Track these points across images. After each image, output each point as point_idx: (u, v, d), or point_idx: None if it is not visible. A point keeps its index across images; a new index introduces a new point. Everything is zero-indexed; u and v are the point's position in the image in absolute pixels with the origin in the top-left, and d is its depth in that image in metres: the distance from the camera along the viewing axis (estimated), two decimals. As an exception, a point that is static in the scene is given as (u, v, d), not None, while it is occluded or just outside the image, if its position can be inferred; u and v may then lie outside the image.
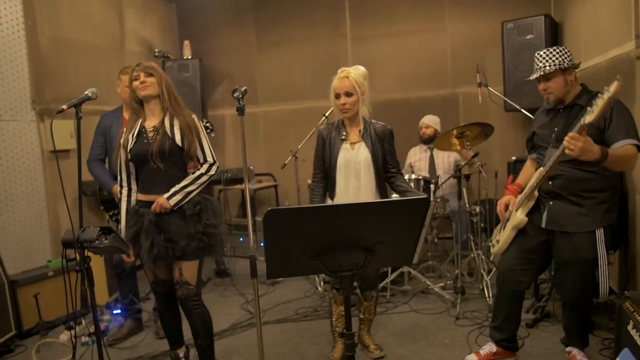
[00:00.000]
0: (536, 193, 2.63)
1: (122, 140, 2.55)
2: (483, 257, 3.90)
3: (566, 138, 2.25)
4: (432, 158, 4.68)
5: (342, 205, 1.87)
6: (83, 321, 3.44)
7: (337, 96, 2.77)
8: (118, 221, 3.40)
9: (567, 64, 2.53)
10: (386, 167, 2.87)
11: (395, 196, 3.96)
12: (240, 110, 2.29)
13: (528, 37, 4.60)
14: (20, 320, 3.45)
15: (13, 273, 3.63)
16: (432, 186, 3.97)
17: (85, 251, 2.06)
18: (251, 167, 5.62)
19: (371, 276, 2.95)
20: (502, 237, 2.77)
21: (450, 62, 5.53)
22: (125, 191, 2.59)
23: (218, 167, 2.63)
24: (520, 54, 4.65)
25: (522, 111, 4.14)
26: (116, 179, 3.27)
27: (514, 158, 4.33)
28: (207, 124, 3.66)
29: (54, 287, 3.65)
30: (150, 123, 2.57)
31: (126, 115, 3.38)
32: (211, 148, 2.63)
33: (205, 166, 2.58)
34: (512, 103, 4.32)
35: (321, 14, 5.91)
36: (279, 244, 1.60)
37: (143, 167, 2.54)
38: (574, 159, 2.33)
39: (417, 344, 3.09)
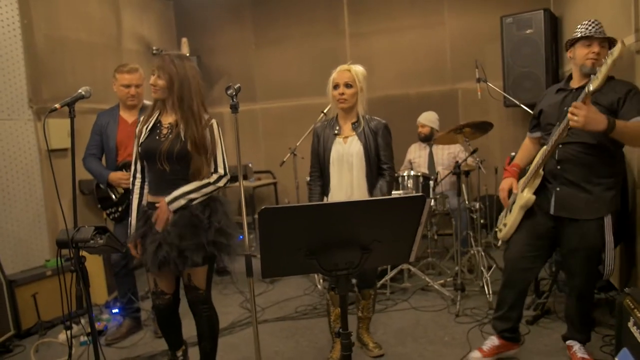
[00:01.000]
0: (541, 171, 2.58)
1: (137, 131, 2.45)
2: (483, 253, 3.88)
3: (570, 108, 2.22)
4: (431, 155, 4.66)
5: (337, 204, 1.85)
6: (82, 321, 3.42)
7: (336, 86, 2.75)
8: (115, 220, 3.40)
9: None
10: (379, 163, 2.83)
11: (395, 193, 3.95)
12: (234, 108, 2.26)
13: (527, 32, 4.57)
14: (19, 320, 3.44)
15: (11, 273, 3.62)
16: (431, 183, 3.95)
17: (81, 251, 2.04)
18: (250, 165, 5.61)
19: (369, 274, 2.93)
20: (509, 220, 2.73)
21: (449, 57, 5.50)
22: (138, 182, 2.47)
23: (229, 180, 2.46)
24: (519, 49, 4.62)
25: (521, 106, 4.11)
26: (114, 169, 3.27)
27: (513, 154, 4.29)
28: None
29: (52, 287, 3.63)
30: (168, 119, 2.42)
31: (123, 113, 3.36)
32: (225, 159, 2.46)
33: (215, 176, 2.41)
34: (511, 98, 4.30)
35: (319, 11, 5.88)
36: (273, 243, 1.58)
37: (150, 165, 2.42)
38: (584, 142, 2.30)
39: (416, 342, 3.07)
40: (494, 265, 3.99)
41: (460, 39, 5.40)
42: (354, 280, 2.93)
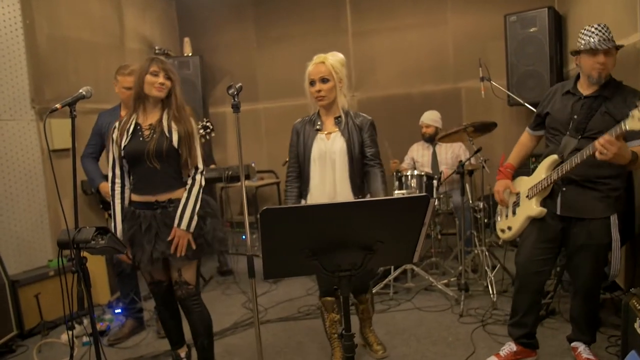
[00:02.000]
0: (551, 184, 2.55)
1: (114, 136, 2.49)
2: (487, 253, 3.86)
3: (600, 141, 2.18)
4: (434, 154, 4.63)
5: (340, 204, 1.83)
6: (84, 321, 3.42)
7: (312, 83, 2.59)
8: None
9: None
10: (364, 159, 2.67)
11: (398, 193, 3.93)
12: (236, 108, 2.26)
13: (531, 30, 4.54)
14: (22, 320, 3.44)
15: (14, 273, 3.62)
16: (434, 182, 3.93)
17: (82, 251, 2.03)
18: (253, 164, 5.59)
19: (363, 280, 2.85)
20: (514, 225, 2.71)
21: (453, 56, 5.47)
22: (118, 188, 2.52)
23: (203, 173, 2.55)
24: (523, 47, 4.59)
25: (525, 105, 4.09)
26: (105, 177, 3.21)
27: (503, 152, 4.27)
28: (208, 124, 3.62)
29: (55, 287, 3.63)
30: (147, 121, 2.49)
31: (124, 114, 3.35)
32: (200, 152, 2.57)
33: (198, 177, 2.51)
34: (515, 97, 4.27)
35: (321, 9, 5.87)
36: (275, 244, 1.56)
37: (137, 166, 2.47)
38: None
39: (420, 342, 3.05)
40: (498, 265, 3.97)
41: (464, 38, 5.37)
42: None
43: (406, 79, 5.61)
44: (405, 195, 3.52)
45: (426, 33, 5.53)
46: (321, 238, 1.56)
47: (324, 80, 2.57)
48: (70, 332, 2.38)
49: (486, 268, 3.74)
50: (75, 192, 2.15)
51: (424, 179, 3.93)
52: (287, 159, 3.38)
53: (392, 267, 3.89)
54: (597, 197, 2.46)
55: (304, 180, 2.69)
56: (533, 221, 2.63)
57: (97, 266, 3.88)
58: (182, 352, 2.78)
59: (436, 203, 3.98)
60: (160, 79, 2.44)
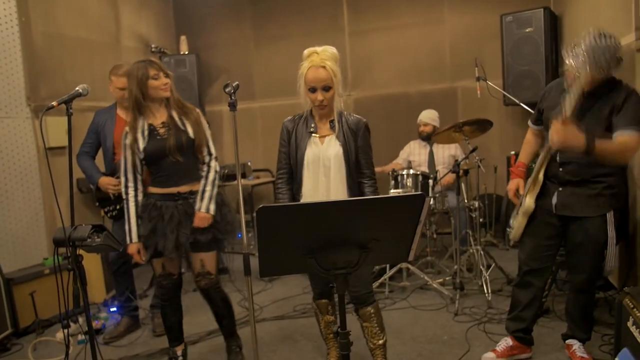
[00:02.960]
0: (540, 177, 2.60)
1: (128, 142, 2.56)
2: (482, 252, 3.87)
3: (550, 130, 2.29)
4: (431, 153, 4.65)
5: (336, 202, 1.84)
6: (79, 319, 3.41)
7: (312, 90, 2.37)
8: (114, 218, 3.38)
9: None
10: (358, 169, 2.48)
11: (394, 192, 3.94)
12: (232, 106, 2.26)
13: (527, 30, 4.56)
14: (17, 318, 3.43)
15: (9, 271, 3.61)
16: (430, 181, 3.94)
17: (78, 249, 2.03)
18: (249, 163, 5.59)
19: (363, 288, 2.47)
20: (515, 224, 2.76)
21: (449, 55, 5.49)
22: (132, 192, 2.60)
23: (217, 159, 2.74)
24: (519, 47, 4.61)
25: (521, 105, 4.10)
26: (104, 173, 3.31)
27: (512, 152, 4.29)
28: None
29: (50, 285, 3.62)
30: (157, 120, 2.61)
31: (120, 112, 3.36)
32: (210, 138, 2.74)
33: (213, 164, 2.69)
34: (511, 97, 4.29)
35: (319, 8, 5.87)
36: (271, 242, 1.56)
37: (159, 163, 2.59)
38: None
39: (415, 341, 3.06)
40: (493, 264, 3.99)
41: (460, 37, 5.39)
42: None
43: (403, 78, 5.62)
44: (401, 194, 3.52)
45: (423, 32, 5.54)
46: (317, 236, 1.56)
47: (326, 88, 2.35)
48: (65, 331, 2.38)
49: (481, 267, 3.76)
50: (71, 190, 2.15)
51: (420, 178, 3.95)
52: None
53: (388, 266, 3.90)
54: (592, 196, 2.49)
55: (297, 183, 2.52)
56: (531, 220, 2.67)
57: (92, 264, 3.88)
58: (179, 350, 2.79)
59: (432, 202, 3.99)
60: (163, 79, 2.55)
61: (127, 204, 2.58)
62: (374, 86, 5.72)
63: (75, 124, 2.26)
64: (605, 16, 3.48)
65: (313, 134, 2.47)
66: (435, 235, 4.42)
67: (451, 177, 4.02)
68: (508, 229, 2.91)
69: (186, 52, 5.77)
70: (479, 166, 3.82)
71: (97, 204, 3.48)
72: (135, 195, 2.59)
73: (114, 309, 3.66)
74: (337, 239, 1.58)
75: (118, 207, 3.36)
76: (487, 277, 3.64)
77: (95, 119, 3.39)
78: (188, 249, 2.60)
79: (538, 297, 2.74)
